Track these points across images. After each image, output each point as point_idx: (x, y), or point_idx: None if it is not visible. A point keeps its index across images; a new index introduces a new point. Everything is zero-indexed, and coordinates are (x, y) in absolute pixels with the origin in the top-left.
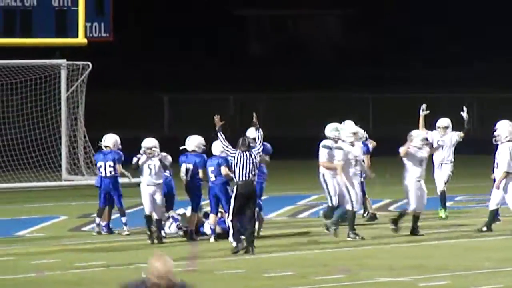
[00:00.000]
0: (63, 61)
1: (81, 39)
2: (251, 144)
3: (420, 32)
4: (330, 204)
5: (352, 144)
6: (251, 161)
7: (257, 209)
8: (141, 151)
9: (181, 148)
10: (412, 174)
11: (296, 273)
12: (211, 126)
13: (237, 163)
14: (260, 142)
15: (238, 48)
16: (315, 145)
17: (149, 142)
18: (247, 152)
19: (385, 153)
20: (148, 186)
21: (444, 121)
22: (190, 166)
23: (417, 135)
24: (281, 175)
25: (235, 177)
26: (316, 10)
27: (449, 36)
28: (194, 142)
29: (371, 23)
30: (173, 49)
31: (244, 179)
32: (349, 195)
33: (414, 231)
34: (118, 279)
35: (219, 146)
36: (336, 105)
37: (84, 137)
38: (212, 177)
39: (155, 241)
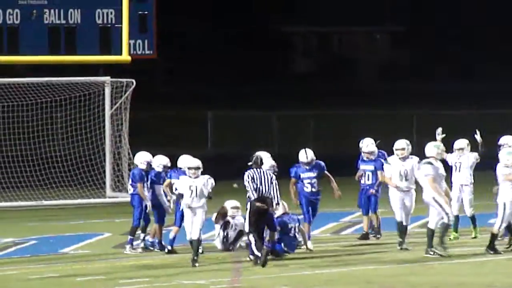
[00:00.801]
0: (107, 79)
1: (125, 57)
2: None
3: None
4: (397, 220)
5: (435, 159)
6: (265, 178)
7: (297, 224)
8: (189, 173)
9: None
10: (508, 194)
11: None
12: (254, 143)
13: (251, 180)
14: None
15: (284, 64)
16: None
17: (193, 163)
18: (260, 170)
19: None
20: (189, 208)
21: (460, 143)
22: None
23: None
24: (325, 192)
25: (251, 194)
26: (361, 27)
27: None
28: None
29: (417, 39)
30: (217, 65)
31: (258, 195)
32: (442, 208)
33: (492, 248)
34: None
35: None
36: (382, 121)
37: (128, 154)
38: None
39: (196, 264)
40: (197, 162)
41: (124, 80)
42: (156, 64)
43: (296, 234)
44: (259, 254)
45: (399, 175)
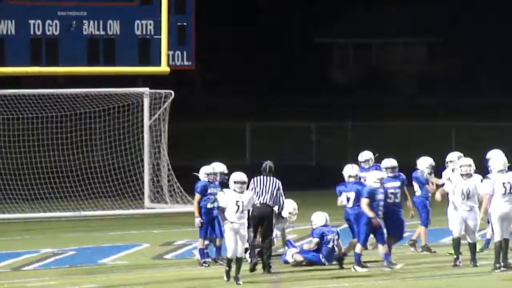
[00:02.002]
0: (145, 90)
1: (163, 68)
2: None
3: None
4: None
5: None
6: (270, 186)
7: (336, 236)
8: (235, 187)
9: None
10: None
11: None
12: (293, 154)
13: (257, 186)
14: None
15: (321, 76)
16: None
17: (239, 177)
18: (268, 177)
19: None
20: (233, 223)
21: (452, 156)
22: (352, 194)
23: None
24: None
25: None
26: (399, 38)
27: None
28: (354, 171)
29: (455, 50)
30: (255, 77)
31: (261, 201)
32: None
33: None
34: None
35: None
36: (420, 133)
37: (167, 165)
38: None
39: (233, 280)
40: (243, 176)
41: (162, 91)
42: (195, 75)
43: (335, 246)
44: (249, 259)
45: (461, 194)
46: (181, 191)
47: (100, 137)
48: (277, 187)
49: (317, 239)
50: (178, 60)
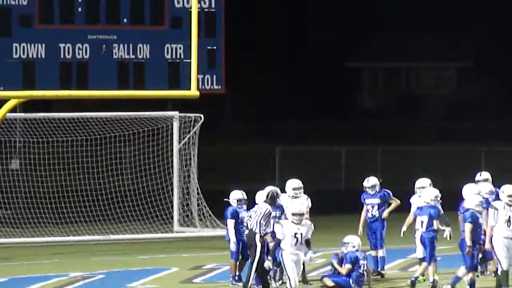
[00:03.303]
0: (175, 113)
1: (193, 92)
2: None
3: None
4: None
5: None
6: (263, 214)
7: (366, 262)
8: (293, 219)
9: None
10: None
11: None
12: (322, 179)
13: (253, 212)
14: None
15: (351, 100)
16: None
17: (297, 208)
18: (266, 205)
19: None
20: (291, 255)
21: (421, 182)
22: (425, 218)
23: None
24: (393, 228)
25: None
26: (429, 62)
27: None
28: (431, 194)
29: (486, 75)
30: (285, 101)
31: (250, 228)
32: None
33: None
34: None
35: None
36: (449, 158)
37: (197, 189)
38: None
39: None
40: (302, 208)
41: (192, 115)
42: (225, 99)
43: (365, 271)
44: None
45: (506, 221)
46: (210, 215)
47: (129, 160)
48: (265, 214)
49: (349, 266)
50: (208, 83)
